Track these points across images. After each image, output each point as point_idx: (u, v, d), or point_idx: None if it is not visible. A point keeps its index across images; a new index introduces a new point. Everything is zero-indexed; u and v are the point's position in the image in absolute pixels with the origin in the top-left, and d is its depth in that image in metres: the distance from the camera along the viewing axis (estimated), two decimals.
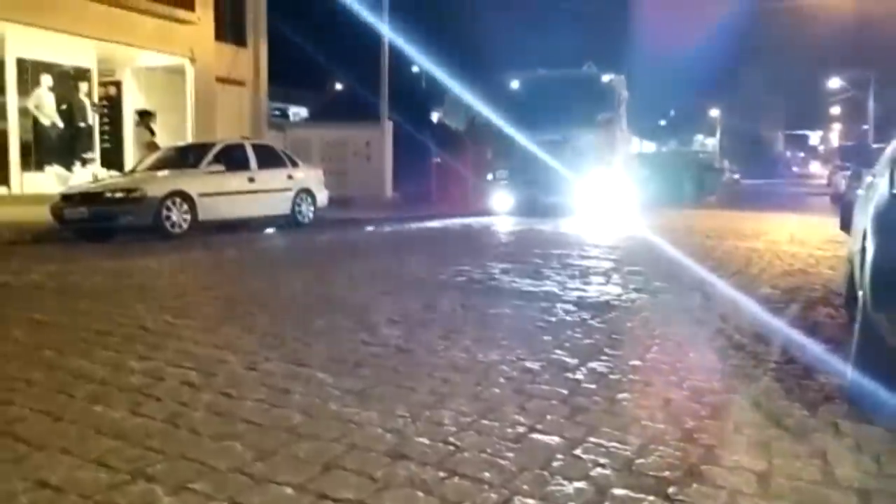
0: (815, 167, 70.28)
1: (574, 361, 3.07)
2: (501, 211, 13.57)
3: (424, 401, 2.56)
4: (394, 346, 3.34)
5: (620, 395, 2.65)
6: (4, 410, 2.44)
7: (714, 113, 60.18)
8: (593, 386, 2.75)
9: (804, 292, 4.98)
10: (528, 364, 3.03)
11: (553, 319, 3.96)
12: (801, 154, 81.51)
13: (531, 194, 13.20)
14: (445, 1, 27.53)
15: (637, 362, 3.11)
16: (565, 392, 2.67)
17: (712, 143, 57.13)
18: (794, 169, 73.63)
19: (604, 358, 3.16)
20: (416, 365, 3.03)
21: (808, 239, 8.97)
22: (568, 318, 4.02)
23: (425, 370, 2.94)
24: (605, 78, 14.35)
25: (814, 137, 76.80)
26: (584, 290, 4.88)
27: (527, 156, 12.68)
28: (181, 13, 15.39)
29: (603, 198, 12.90)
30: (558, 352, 3.24)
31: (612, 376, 2.89)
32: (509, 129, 13.17)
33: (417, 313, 4.13)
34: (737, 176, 45.76)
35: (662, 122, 53.59)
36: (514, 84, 14.82)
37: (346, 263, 6.63)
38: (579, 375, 2.88)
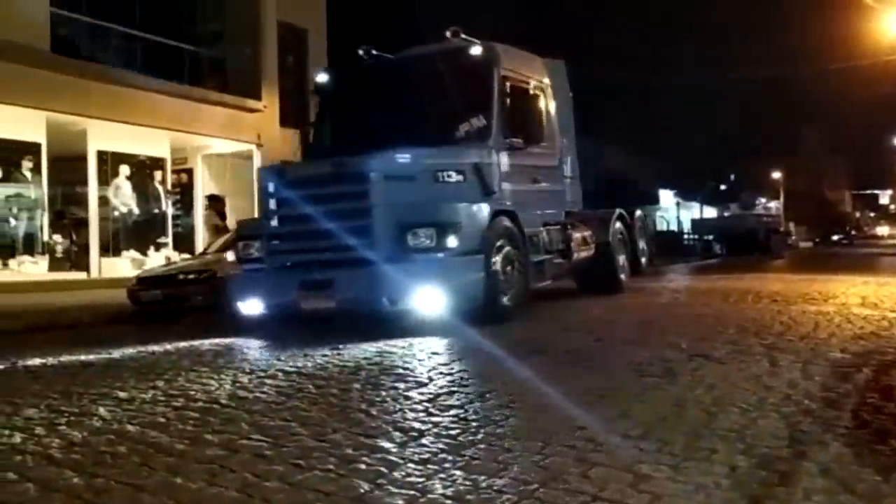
0: (884, 229, 68.01)
1: (638, 431, 3.06)
2: (253, 316, 7.37)
3: (486, 468, 2.60)
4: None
5: (685, 463, 2.63)
6: (91, 482, 2.59)
7: (776, 175, 59.25)
8: (657, 453, 2.75)
9: (876, 356, 4.83)
10: (590, 432, 3.03)
11: (615, 385, 3.95)
12: (872, 213, 79.13)
13: (304, 285, 6.83)
14: None
15: (703, 429, 3.08)
16: (629, 460, 2.67)
17: (776, 205, 55.95)
18: (865, 229, 71.44)
19: (668, 425, 3.14)
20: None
21: (881, 301, 8.68)
22: (630, 386, 4.00)
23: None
24: (476, 51, 7.91)
25: (883, 196, 74.63)
26: (639, 354, 4.85)
27: (299, 208, 6.87)
28: (250, 102, 16.25)
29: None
30: (621, 420, 3.23)
31: (677, 444, 2.87)
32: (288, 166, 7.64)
33: None
34: (803, 239, 44.68)
35: (722, 187, 52.97)
36: (322, 80, 8.92)
37: None
38: (643, 444, 2.88)
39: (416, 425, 3.23)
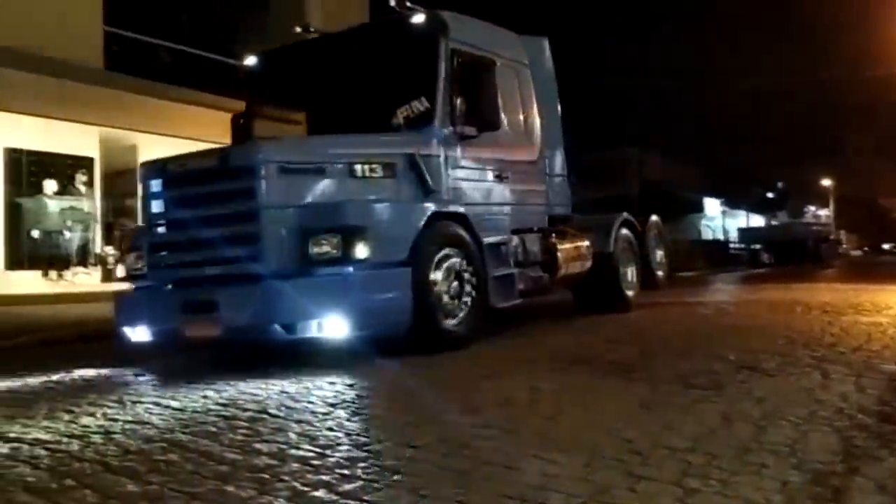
0: None
1: (685, 444, 3.03)
2: (138, 342, 6.06)
3: (532, 482, 2.60)
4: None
5: (735, 478, 2.60)
6: (147, 490, 2.66)
7: (826, 182, 57.91)
8: (705, 467, 2.71)
9: None
10: (636, 445, 3.01)
11: (659, 398, 3.91)
12: None
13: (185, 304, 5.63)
14: None
15: (752, 443, 3.03)
16: (676, 474, 2.64)
17: (825, 213, 54.65)
18: None
19: (716, 439, 3.10)
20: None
21: None
22: (676, 399, 3.96)
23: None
24: (418, 20, 6.68)
25: None
26: (690, 367, 4.79)
27: (181, 211, 5.75)
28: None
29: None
30: (667, 433, 3.20)
31: (725, 458, 2.83)
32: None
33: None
34: (853, 248, 43.62)
35: (770, 195, 51.98)
36: (251, 65, 7.61)
37: None
38: (691, 457, 2.84)
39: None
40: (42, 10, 12.21)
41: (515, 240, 7.25)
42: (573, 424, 3.43)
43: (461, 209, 6.39)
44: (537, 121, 8.06)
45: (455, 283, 6.05)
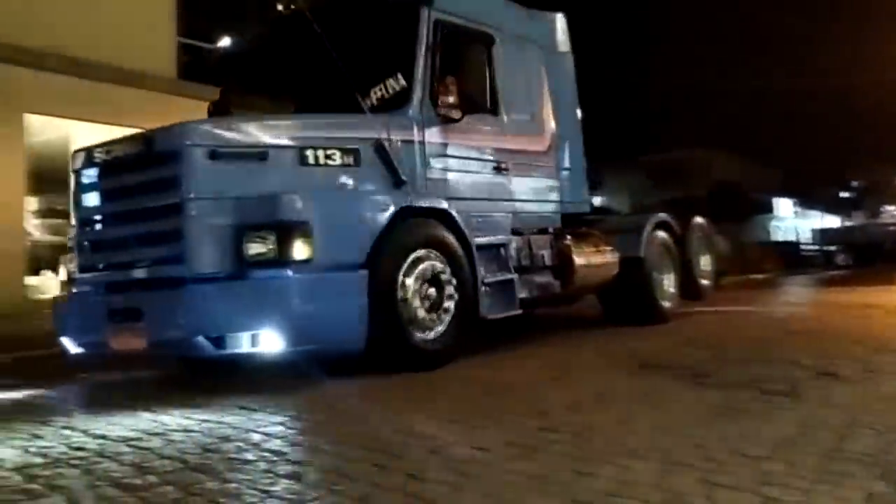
0: None
1: (763, 452, 2.95)
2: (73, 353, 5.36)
3: (605, 487, 2.57)
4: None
5: (817, 487, 2.51)
6: (224, 487, 2.74)
7: None
8: (785, 476, 2.63)
9: None
10: (711, 451, 2.94)
11: (733, 404, 3.81)
12: None
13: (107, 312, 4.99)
14: None
15: (834, 452, 2.92)
16: (754, 482, 2.57)
17: None
18: None
19: (796, 447, 3.00)
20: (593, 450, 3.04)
21: None
22: (751, 405, 3.85)
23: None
24: None
25: None
26: (765, 372, 4.65)
27: (106, 204, 5.25)
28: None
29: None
30: (743, 440, 3.12)
31: (806, 466, 2.74)
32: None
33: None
34: None
35: (846, 195, 50.16)
36: (227, 46, 6.72)
37: None
38: (769, 465, 2.76)
39: None
40: (118, 23, 12.74)
41: (518, 241, 6.47)
42: (645, 430, 3.38)
43: (442, 204, 5.55)
44: (549, 106, 7.20)
45: (432, 291, 5.27)
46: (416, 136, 5.68)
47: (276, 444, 3.35)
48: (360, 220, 5.01)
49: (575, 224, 7.48)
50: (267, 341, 4.51)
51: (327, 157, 5.18)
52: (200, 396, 4.63)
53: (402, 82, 5.71)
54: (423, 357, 5.14)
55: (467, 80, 5.89)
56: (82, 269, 5.34)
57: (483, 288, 5.72)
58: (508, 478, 2.71)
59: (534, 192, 6.98)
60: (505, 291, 6.01)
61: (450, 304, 5.37)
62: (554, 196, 7.29)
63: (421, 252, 5.23)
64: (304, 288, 4.61)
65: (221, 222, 4.66)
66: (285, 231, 4.56)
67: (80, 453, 3.34)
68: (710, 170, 37.54)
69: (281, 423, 3.80)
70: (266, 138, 5.08)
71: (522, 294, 6.21)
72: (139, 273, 4.94)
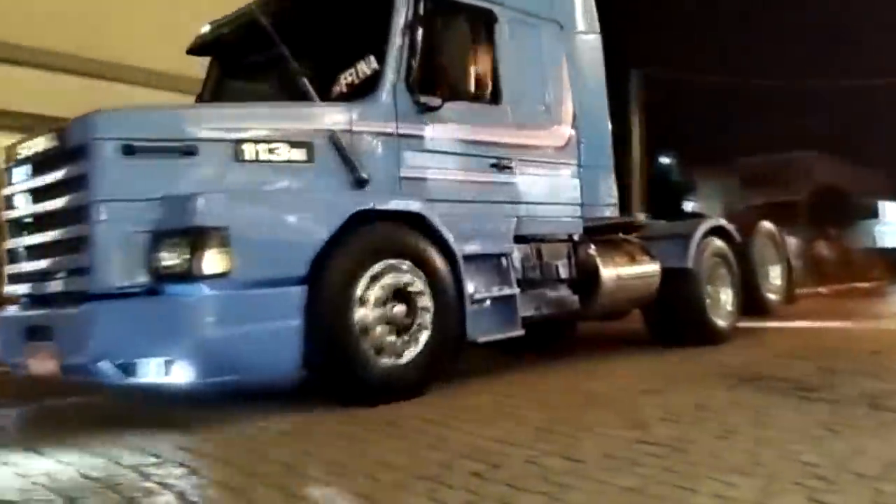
0: None
1: (876, 470, 2.82)
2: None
3: (705, 503, 2.52)
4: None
5: None
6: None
7: None
8: None
9: None
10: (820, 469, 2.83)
11: (842, 420, 3.65)
12: None
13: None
14: None
15: None
16: (867, 502, 2.47)
17: None
18: None
19: None
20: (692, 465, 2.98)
21: None
22: (862, 421, 3.68)
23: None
24: None
25: None
26: (876, 387, 4.42)
27: (22, 207, 4.70)
28: None
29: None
30: (854, 458, 2.99)
31: None
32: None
33: None
34: None
35: None
36: (206, 34, 6.13)
37: None
38: (882, 485, 2.64)
39: None
40: (151, 27, 13.17)
41: (524, 250, 5.69)
42: (748, 445, 3.28)
43: (413, 206, 4.73)
44: (569, 95, 6.23)
45: (400, 309, 4.52)
46: (387, 127, 4.90)
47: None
48: (301, 227, 4.29)
49: (607, 230, 6.54)
50: (179, 370, 3.88)
51: (271, 151, 4.45)
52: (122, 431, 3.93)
53: (374, 65, 4.95)
54: (385, 386, 4.39)
55: (455, 63, 5.07)
56: (9, 279, 4.76)
57: (472, 305, 4.96)
58: (604, 490, 2.70)
59: (546, 194, 6.00)
60: (502, 309, 5.23)
61: (425, 324, 4.61)
62: (573, 198, 6.25)
63: (385, 263, 4.47)
64: (219, 307, 3.91)
65: (134, 228, 3.98)
66: (198, 238, 3.87)
67: None
68: (812, 172, 35.97)
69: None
70: (195, 130, 4.34)
71: (528, 312, 5.44)
72: (53, 286, 4.36)
